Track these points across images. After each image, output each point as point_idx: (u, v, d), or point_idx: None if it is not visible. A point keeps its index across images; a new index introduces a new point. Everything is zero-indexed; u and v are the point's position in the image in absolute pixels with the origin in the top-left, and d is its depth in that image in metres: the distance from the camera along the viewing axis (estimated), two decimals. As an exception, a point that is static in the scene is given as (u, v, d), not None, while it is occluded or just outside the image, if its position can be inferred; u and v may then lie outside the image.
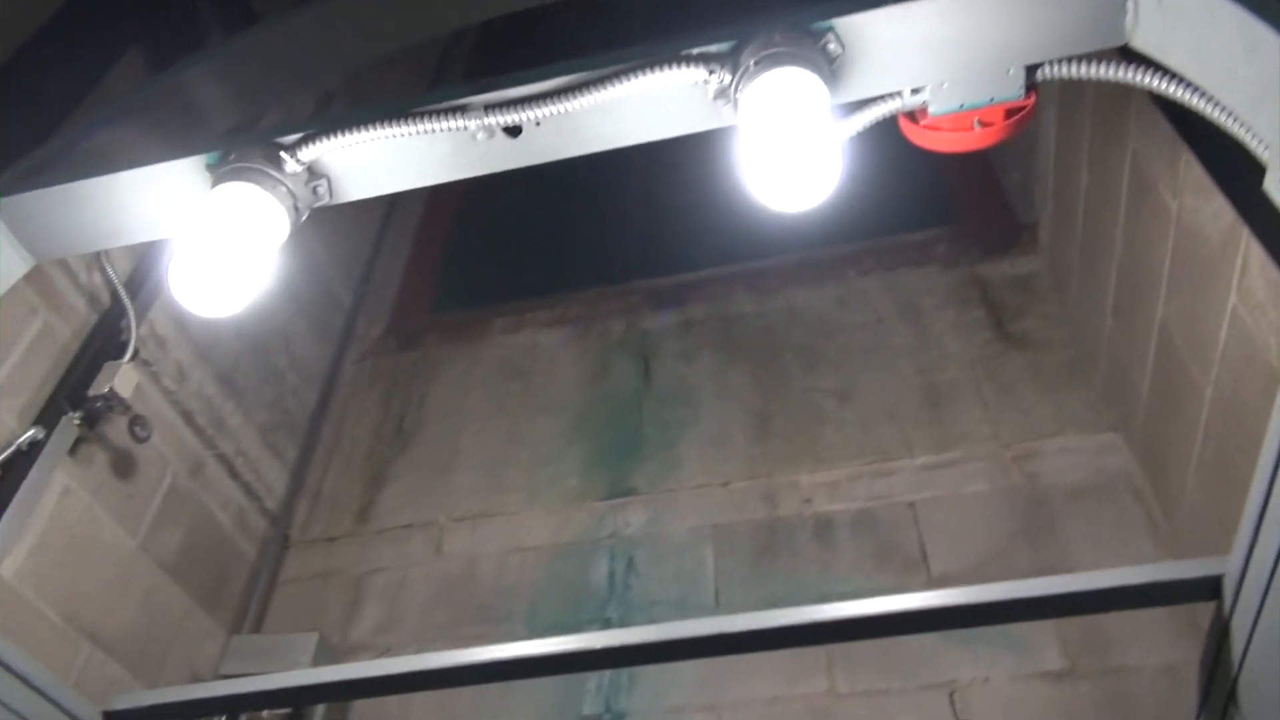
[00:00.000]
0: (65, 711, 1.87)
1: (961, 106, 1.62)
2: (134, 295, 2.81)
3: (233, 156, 1.77)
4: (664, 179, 4.80)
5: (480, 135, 1.69)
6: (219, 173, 1.78)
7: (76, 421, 2.52)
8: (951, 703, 2.57)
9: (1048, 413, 3.20)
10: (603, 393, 3.86)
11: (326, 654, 2.95)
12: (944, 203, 4.23)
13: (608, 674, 2.87)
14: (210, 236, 1.76)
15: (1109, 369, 3.03)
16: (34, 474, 2.39)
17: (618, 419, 3.71)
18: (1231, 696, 1.58)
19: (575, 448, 3.66)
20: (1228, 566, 1.54)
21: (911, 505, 3.07)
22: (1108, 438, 3.04)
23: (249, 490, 3.48)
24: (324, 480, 3.87)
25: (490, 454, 3.76)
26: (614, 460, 3.55)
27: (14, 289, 2.01)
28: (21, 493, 2.35)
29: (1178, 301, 2.35)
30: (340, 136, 1.69)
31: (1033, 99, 1.60)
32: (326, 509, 3.76)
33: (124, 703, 2.03)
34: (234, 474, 3.41)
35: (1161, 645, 2.51)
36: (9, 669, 1.72)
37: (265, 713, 2.85)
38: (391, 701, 2.97)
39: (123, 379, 2.54)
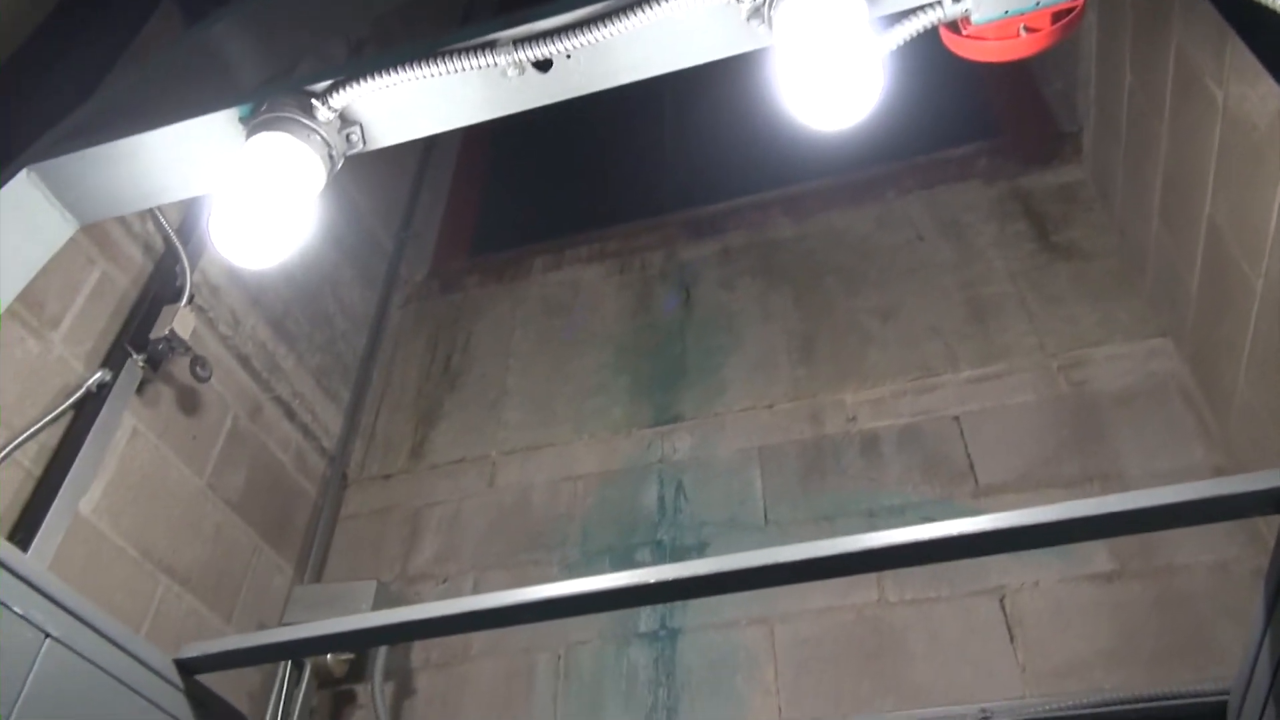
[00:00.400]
0: (139, 661, 1.94)
1: (1006, 13, 1.59)
2: (185, 242, 2.89)
3: (265, 107, 1.78)
4: (696, 108, 4.78)
5: (510, 72, 1.68)
6: (251, 124, 1.79)
7: (141, 364, 2.62)
8: (1002, 607, 2.60)
9: (1095, 321, 3.17)
10: (645, 324, 3.89)
11: (386, 599, 3.03)
12: (983, 116, 4.16)
13: (657, 625, 2.93)
14: (247, 189, 1.78)
15: (1157, 273, 2.99)
16: (105, 414, 2.49)
17: (661, 348, 3.75)
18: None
19: (620, 378, 3.70)
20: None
21: (957, 418, 3.08)
22: (1156, 343, 3.01)
23: (306, 431, 3.58)
24: (377, 421, 3.97)
25: (537, 389, 3.82)
26: (659, 388, 3.60)
27: (71, 240, 2.08)
28: (94, 432, 2.45)
29: (1225, 195, 2.31)
30: (370, 81, 1.70)
31: (1081, 0, 1.56)
32: (381, 448, 3.86)
33: (193, 650, 2.09)
34: (291, 416, 3.52)
35: (1212, 543, 2.51)
36: (85, 623, 1.80)
37: (329, 656, 2.97)
38: (454, 627, 3.07)
39: (181, 321, 2.62)
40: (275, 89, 1.81)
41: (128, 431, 2.71)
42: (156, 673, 1.98)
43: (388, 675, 3.01)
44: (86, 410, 2.51)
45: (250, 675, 2.97)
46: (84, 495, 2.53)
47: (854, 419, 3.22)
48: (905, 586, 2.74)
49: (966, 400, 3.11)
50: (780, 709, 2.59)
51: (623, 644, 2.89)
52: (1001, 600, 2.61)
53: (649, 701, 2.73)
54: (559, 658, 2.91)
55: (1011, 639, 2.54)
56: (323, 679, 3.04)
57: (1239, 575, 2.45)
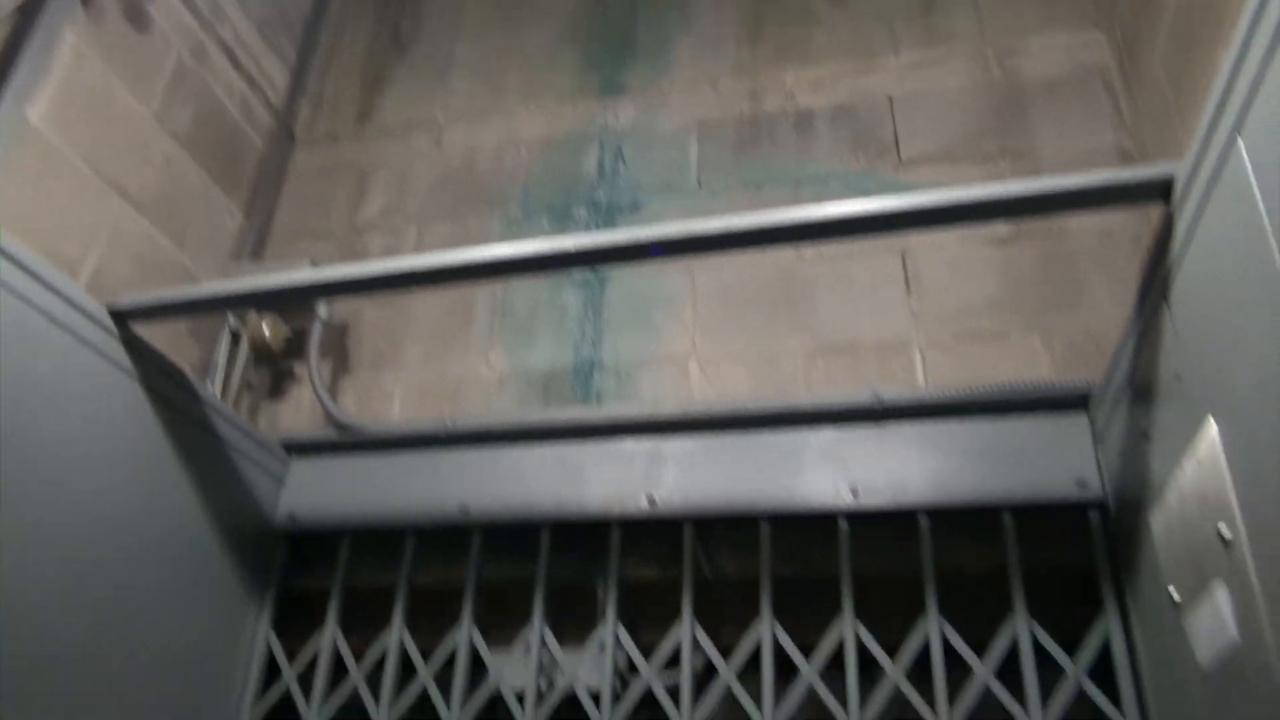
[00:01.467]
0: (75, 307, 1.99)
1: None
2: None
3: None
4: None
5: None
6: None
7: (78, -33, 2.59)
8: (903, 263, 2.83)
9: (1039, 15, 3.21)
10: (597, 1, 3.85)
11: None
12: None
13: (588, 272, 3.11)
14: None
15: (1101, -39, 3.03)
16: (47, 15, 2.49)
17: (611, 25, 3.74)
18: (1164, 294, 1.69)
19: (568, 50, 3.71)
20: (1179, 169, 1.60)
21: (890, 99, 3.18)
22: (1091, 35, 3.09)
23: (252, 81, 3.58)
24: (324, 83, 3.96)
25: (486, 60, 3.82)
26: (607, 62, 3.63)
27: None
28: (38, 34, 2.46)
29: None
30: None
31: None
32: (329, 110, 3.89)
33: (129, 301, 2.09)
34: (236, 64, 3.50)
35: (1102, 212, 2.72)
36: (23, 267, 1.85)
37: (267, 331, 3.06)
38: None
39: (118, -75, 2.57)
40: None
41: (71, 50, 2.72)
42: (90, 317, 2.03)
43: (324, 349, 3.08)
44: (29, 11, 2.50)
45: (189, 347, 3.07)
46: (30, 104, 2.58)
47: (792, 97, 3.31)
48: (821, 246, 2.95)
49: (904, 81, 3.21)
50: (694, 341, 2.86)
51: (556, 288, 3.10)
52: (903, 256, 2.84)
53: (577, 335, 2.98)
54: (495, 296, 3.13)
55: (908, 289, 2.79)
56: (260, 353, 3.12)
57: (1120, 239, 2.69)
